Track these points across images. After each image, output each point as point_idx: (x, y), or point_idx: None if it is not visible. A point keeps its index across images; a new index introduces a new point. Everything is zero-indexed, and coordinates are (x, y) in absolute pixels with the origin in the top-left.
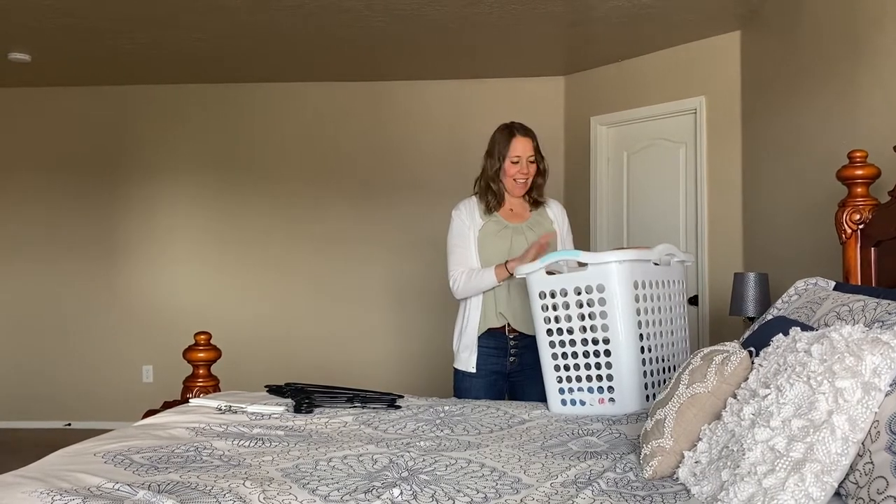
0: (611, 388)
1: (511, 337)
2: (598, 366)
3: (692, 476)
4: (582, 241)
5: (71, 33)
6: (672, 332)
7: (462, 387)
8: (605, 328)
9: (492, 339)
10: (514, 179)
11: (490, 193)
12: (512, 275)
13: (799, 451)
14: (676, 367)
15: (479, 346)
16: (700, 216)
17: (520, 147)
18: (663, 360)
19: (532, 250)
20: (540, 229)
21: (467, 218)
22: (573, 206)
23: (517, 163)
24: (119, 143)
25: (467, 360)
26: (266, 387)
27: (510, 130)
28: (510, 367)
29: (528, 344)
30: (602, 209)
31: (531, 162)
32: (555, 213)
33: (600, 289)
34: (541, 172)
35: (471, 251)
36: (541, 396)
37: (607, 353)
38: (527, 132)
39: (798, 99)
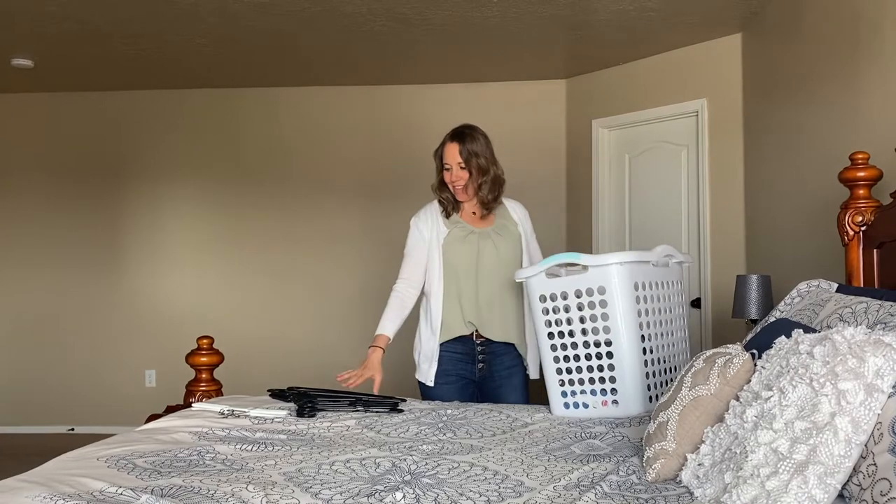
0: (614, 391)
1: (478, 343)
2: (600, 368)
3: (695, 478)
4: (584, 243)
5: (73, 39)
6: (672, 333)
7: (427, 397)
8: (606, 330)
9: (458, 345)
10: (452, 185)
11: (443, 200)
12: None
13: (802, 454)
14: (677, 368)
15: (446, 352)
16: (702, 218)
17: (448, 154)
18: (665, 361)
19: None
20: (505, 232)
21: (427, 228)
22: (575, 208)
23: (448, 170)
24: (121, 148)
25: (427, 372)
26: (269, 391)
27: (444, 137)
28: (480, 374)
29: (494, 350)
30: (604, 212)
31: (462, 168)
32: (518, 215)
33: (601, 291)
34: (481, 174)
35: (421, 264)
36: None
37: (609, 355)
38: (455, 136)
39: (799, 101)
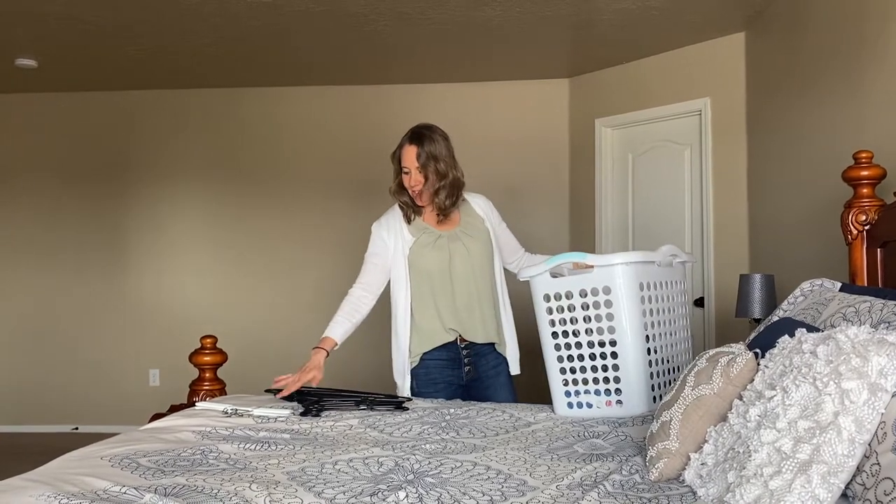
0: (618, 391)
1: (462, 346)
2: (604, 368)
3: (698, 478)
4: (587, 243)
5: (77, 39)
6: (675, 333)
7: None
8: (611, 330)
9: (443, 352)
10: (411, 190)
11: (403, 205)
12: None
13: (805, 453)
14: (680, 368)
15: (430, 359)
16: (706, 218)
17: (406, 157)
18: (668, 361)
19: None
20: (474, 231)
21: (390, 237)
22: (578, 207)
23: (407, 173)
24: (125, 147)
25: (402, 388)
26: (266, 391)
27: (402, 139)
28: (467, 378)
29: (478, 351)
30: (607, 211)
31: (420, 172)
32: (483, 209)
33: (606, 291)
34: (439, 178)
35: (381, 271)
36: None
37: (614, 355)
38: (413, 138)
39: (803, 100)
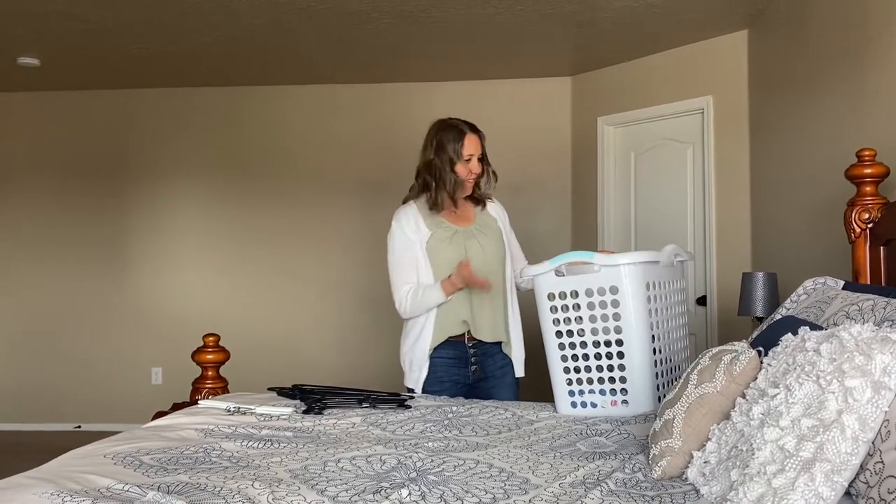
0: (623, 391)
1: (470, 345)
2: (610, 368)
3: (701, 476)
4: (589, 242)
5: (79, 37)
6: (675, 331)
7: None
8: (618, 330)
9: (450, 350)
10: (465, 179)
11: (440, 192)
12: (460, 288)
13: (809, 451)
14: (680, 367)
15: (437, 358)
16: (708, 216)
17: (471, 146)
18: (670, 360)
19: (480, 282)
20: (488, 230)
21: (412, 231)
22: (581, 206)
23: (469, 161)
24: (127, 146)
25: (417, 379)
26: (269, 389)
27: (457, 128)
28: (473, 377)
29: (486, 351)
30: (609, 210)
31: (479, 160)
32: (496, 210)
33: (613, 290)
34: (485, 170)
35: (418, 266)
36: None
37: (620, 355)
38: (475, 129)
39: (806, 98)
